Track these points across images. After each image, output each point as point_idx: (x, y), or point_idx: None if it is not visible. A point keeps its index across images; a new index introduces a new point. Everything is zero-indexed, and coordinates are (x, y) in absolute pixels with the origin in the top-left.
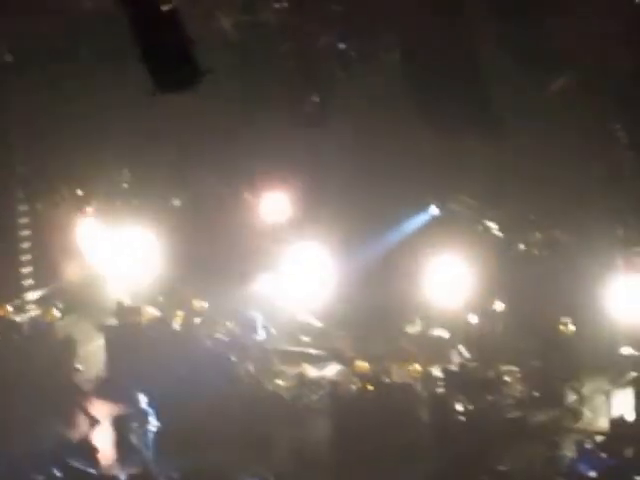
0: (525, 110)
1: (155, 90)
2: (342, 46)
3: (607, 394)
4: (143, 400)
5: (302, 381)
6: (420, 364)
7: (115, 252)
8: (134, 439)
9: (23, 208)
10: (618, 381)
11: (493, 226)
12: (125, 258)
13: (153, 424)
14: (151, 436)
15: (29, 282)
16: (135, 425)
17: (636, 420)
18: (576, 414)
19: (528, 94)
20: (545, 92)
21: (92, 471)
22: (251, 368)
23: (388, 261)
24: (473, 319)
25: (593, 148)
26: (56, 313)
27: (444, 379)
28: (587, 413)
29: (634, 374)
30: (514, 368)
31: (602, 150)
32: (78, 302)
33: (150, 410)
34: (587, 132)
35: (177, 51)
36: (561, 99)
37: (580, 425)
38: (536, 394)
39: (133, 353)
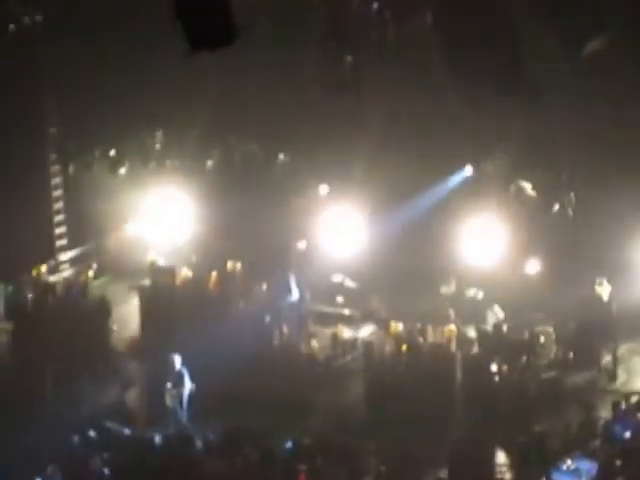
0: (559, 72)
1: (189, 49)
2: (376, 8)
3: None
4: (177, 361)
5: (336, 342)
6: (455, 325)
7: (149, 213)
8: (169, 401)
9: (56, 169)
10: None
11: (527, 186)
12: (159, 219)
13: (187, 386)
14: (186, 398)
15: (63, 243)
16: (170, 387)
17: None
18: (611, 375)
19: (562, 56)
20: (579, 55)
21: (127, 432)
22: (285, 329)
23: (423, 222)
24: (508, 279)
25: (626, 111)
26: (90, 274)
27: (478, 340)
28: (622, 374)
29: None
30: (549, 329)
31: (634, 112)
32: (112, 263)
33: (184, 372)
34: (620, 95)
35: (212, 9)
36: (595, 62)
37: (615, 386)
38: (571, 355)
39: (167, 314)
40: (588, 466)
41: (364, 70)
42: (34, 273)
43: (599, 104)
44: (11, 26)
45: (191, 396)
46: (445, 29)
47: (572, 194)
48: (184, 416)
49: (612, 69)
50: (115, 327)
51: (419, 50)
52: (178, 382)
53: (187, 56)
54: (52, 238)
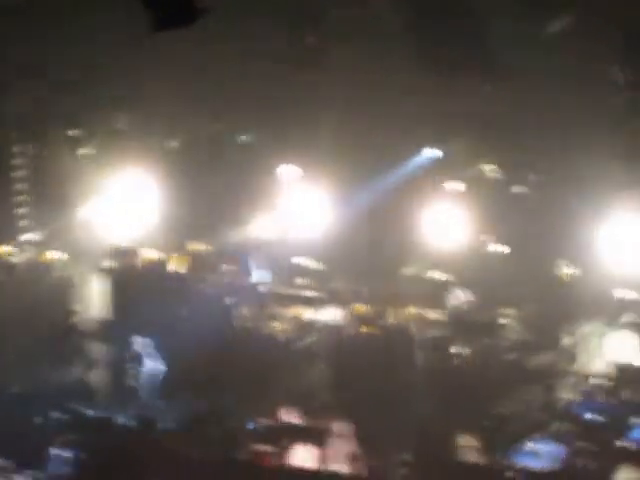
0: (524, 51)
1: (152, 27)
2: None
3: (602, 336)
4: (139, 343)
5: (298, 324)
6: (416, 306)
7: (112, 194)
8: (131, 382)
9: (17, 149)
10: (613, 323)
11: (489, 168)
12: (122, 200)
13: (149, 367)
14: (148, 379)
15: (25, 223)
16: (132, 368)
17: (631, 362)
18: (572, 357)
19: (527, 34)
20: (544, 32)
21: (90, 413)
22: (246, 311)
23: (385, 203)
24: (469, 261)
25: (591, 90)
26: (52, 255)
27: (440, 322)
28: (583, 356)
29: (629, 316)
30: (511, 310)
31: (600, 92)
32: (74, 244)
33: (146, 353)
34: (586, 74)
35: None
36: (560, 40)
37: (576, 368)
38: (532, 337)
39: (129, 296)
40: (549, 448)
41: (329, 46)
42: None
43: (565, 84)
44: None
45: (153, 377)
46: (410, 8)
47: (534, 175)
48: (146, 397)
49: (579, 48)
50: (78, 308)
51: (384, 24)
52: (139, 363)
53: (149, 35)
54: (13, 219)
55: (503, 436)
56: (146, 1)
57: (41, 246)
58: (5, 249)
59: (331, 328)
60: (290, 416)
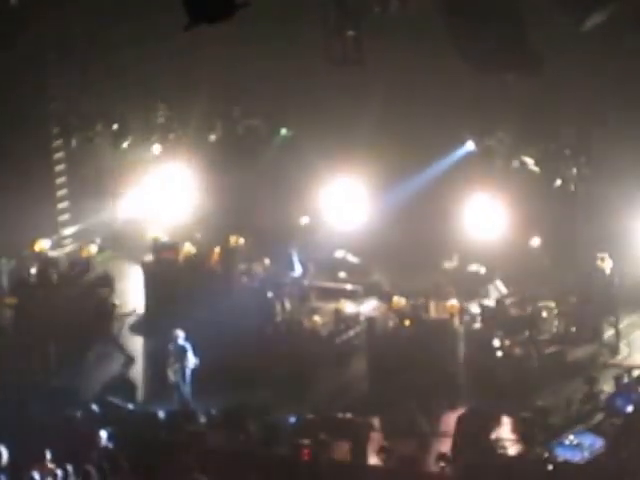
0: (561, 46)
1: (189, 22)
2: None
3: None
4: (180, 337)
5: (339, 317)
6: (457, 300)
7: (152, 188)
8: (172, 376)
9: (58, 143)
10: None
11: (529, 161)
12: (162, 194)
13: (190, 361)
14: (188, 373)
15: (65, 217)
16: (172, 362)
17: None
18: (613, 349)
19: (564, 30)
20: (581, 28)
21: (130, 407)
22: (288, 304)
23: (425, 197)
24: (510, 254)
25: (628, 85)
26: (93, 249)
27: (481, 315)
28: (624, 348)
29: None
30: (551, 304)
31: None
32: (115, 238)
33: (187, 347)
34: (621, 68)
35: None
36: (597, 35)
37: (617, 360)
38: (573, 329)
39: (170, 289)
40: (590, 440)
41: (366, 42)
42: (37, 248)
43: (601, 75)
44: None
45: (194, 371)
46: (446, 1)
47: (574, 169)
48: (187, 391)
49: (614, 38)
50: (118, 302)
51: (421, 22)
52: (181, 357)
53: (187, 29)
54: (54, 213)
55: (544, 428)
56: None
57: (82, 240)
58: (46, 243)
59: (372, 321)
60: (330, 410)
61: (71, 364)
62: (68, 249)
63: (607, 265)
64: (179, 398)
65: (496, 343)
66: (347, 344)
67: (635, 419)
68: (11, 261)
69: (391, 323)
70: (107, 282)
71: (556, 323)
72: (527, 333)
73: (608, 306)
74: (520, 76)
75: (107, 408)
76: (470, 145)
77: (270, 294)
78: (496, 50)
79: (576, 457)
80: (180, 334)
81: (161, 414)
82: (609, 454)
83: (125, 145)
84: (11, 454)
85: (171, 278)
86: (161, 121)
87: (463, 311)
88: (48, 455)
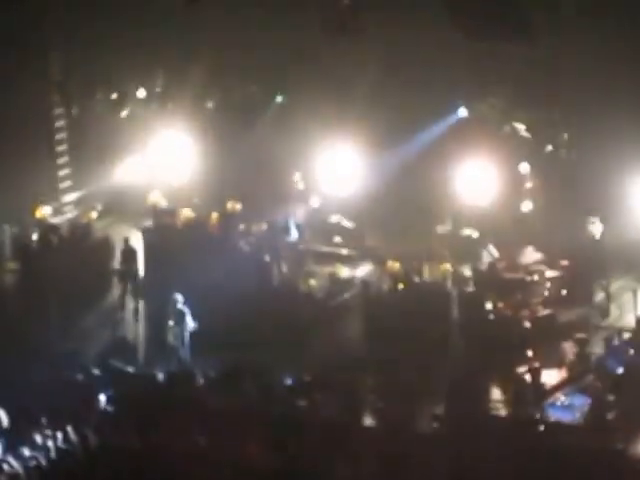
0: (555, 12)
1: None
2: None
3: (634, 291)
4: (179, 300)
5: (334, 281)
6: (450, 263)
7: (150, 155)
8: (171, 338)
9: (59, 111)
10: None
11: (521, 127)
12: (160, 161)
13: (189, 324)
14: (187, 336)
15: (66, 184)
16: (171, 324)
17: None
18: (604, 312)
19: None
20: None
21: (130, 369)
22: (284, 268)
23: (418, 162)
24: (502, 219)
25: (624, 50)
26: (93, 215)
27: (474, 278)
28: (614, 310)
29: None
30: (543, 267)
31: (632, 52)
32: (115, 204)
33: (186, 310)
34: (617, 33)
35: None
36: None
37: (608, 322)
38: (564, 292)
39: (169, 254)
40: (582, 401)
41: (362, 11)
42: (38, 215)
43: (595, 44)
44: None
45: (192, 334)
46: None
47: (565, 134)
48: (186, 353)
49: (609, 8)
50: (118, 267)
51: None
52: (179, 320)
53: (187, 4)
54: (55, 180)
55: (535, 390)
56: None
57: (82, 206)
58: (48, 210)
59: (367, 284)
60: (325, 371)
61: (72, 328)
62: (69, 215)
63: (598, 229)
64: (178, 360)
65: (488, 306)
66: (342, 306)
67: (624, 380)
68: (13, 228)
69: (385, 286)
70: (107, 247)
71: (548, 286)
72: (519, 296)
73: (599, 269)
74: (513, 42)
75: (107, 371)
76: (463, 111)
77: (267, 258)
78: (490, 16)
79: (567, 417)
80: (179, 298)
81: (160, 376)
82: (595, 414)
83: (125, 113)
84: (11, 417)
85: (170, 243)
86: (160, 89)
87: (456, 274)
88: (45, 419)
